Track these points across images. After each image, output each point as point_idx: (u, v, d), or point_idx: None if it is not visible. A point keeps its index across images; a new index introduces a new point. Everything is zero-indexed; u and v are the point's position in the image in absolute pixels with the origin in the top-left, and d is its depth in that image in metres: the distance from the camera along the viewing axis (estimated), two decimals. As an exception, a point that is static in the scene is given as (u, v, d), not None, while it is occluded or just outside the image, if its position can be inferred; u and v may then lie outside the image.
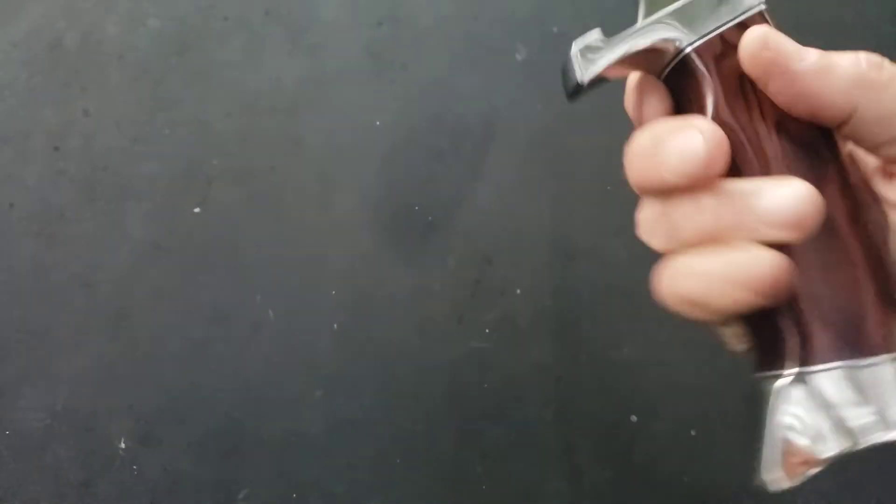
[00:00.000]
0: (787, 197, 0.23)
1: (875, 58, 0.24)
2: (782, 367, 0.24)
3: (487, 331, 0.57)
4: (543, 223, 0.59)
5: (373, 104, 0.61)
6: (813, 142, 0.25)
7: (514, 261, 0.59)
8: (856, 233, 0.25)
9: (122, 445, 0.56)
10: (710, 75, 0.27)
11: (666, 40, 0.27)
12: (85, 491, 0.55)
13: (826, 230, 0.24)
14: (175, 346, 0.57)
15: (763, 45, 0.25)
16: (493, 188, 0.60)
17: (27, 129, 0.60)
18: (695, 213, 0.24)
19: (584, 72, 0.27)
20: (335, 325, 0.57)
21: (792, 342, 0.24)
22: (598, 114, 0.60)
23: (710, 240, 0.24)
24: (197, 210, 0.59)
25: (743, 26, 0.26)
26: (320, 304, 0.57)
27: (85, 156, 0.60)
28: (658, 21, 0.28)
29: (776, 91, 0.25)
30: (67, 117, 0.60)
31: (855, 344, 0.24)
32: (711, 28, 0.27)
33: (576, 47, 0.27)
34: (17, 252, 0.59)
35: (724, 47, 0.27)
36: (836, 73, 0.24)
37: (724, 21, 0.27)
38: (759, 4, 0.27)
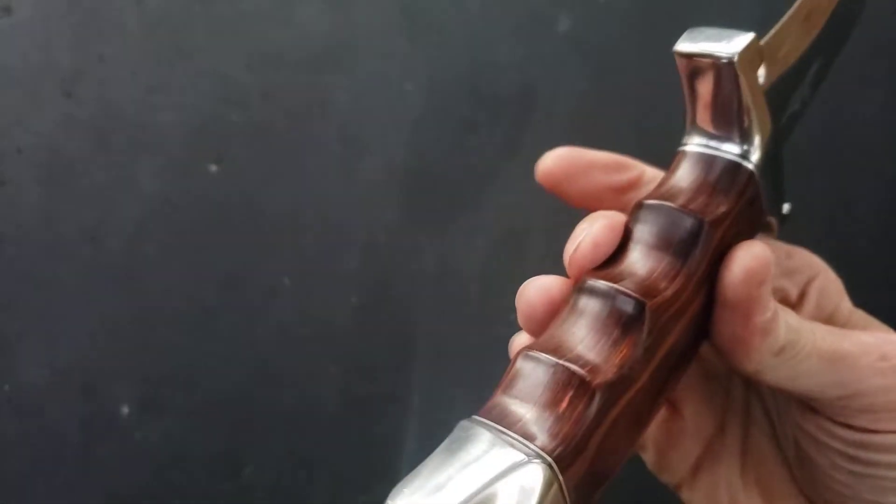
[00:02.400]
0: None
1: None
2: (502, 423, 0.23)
3: (513, 317, 0.55)
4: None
5: (404, 67, 0.58)
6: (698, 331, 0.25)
7: (547, 243, 0.56)
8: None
9: (125, 410, 0.54)
10: (740, 200, 0.27)
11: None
12: (85, 455, 0.53)
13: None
14: (184, 309, 0.55)
15: (760, 276, 0.24)
16: (528, 164, 0.57)
17: (39, 72, 0.57)
18: None
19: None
20: (354, 299, 0.55)
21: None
22: (642, 92, 0.57)
23: None
24: (213, 167, 0.57)
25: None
26: (339, 276, 0.55)
27: (98, 104, 0.57)
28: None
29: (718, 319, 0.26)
30: (81, 62, 0.57)
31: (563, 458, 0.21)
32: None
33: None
34: (24, 200, 0.56)
35: (755, 195, 0.26)
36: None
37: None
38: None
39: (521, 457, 0.20)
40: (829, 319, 0.29)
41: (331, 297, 0.55)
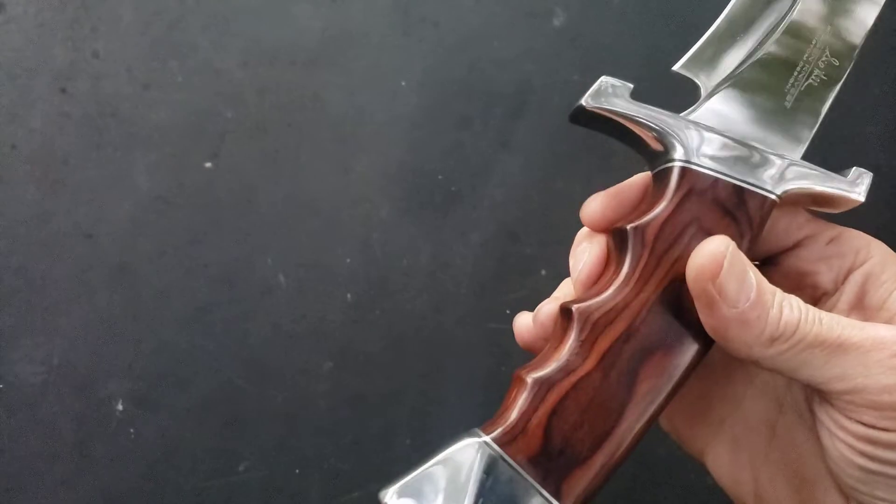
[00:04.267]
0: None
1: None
2: (498, 442, 0.26)
3: (508, 312, 0.55)
4: (574, 200, 0.56)
5: (399, 63, 0.57)
6: (683, 316, 0.27)
7: (540, 239, 0.56)
8: (647, 405, 0.27)
9: (120, 407, 0.53)
10: (673, 198, 0.28)
11: (662, 137, 0.29)
12: (79, 452, 0.53)
13: (627, 381, 0.27)
14: (178, 306, 0.55)
15: (710, 272, 0.25)
16: (522, 160, 0.57)
17: (33, 67, 0.57)
18: None
19: (590, 99, 0.29)
20: (348, 296, 0.55)
21: (517, 427, 0.27)
22: (637, 88, 0.57)
23: None
24: (208, 164, 0.56)
25: (739, 190, 0.28)
26: (334, 272, 0.55)
27: (92, 100, 0.57)
28: (683, 120, 0.29)
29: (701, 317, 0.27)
30: (76, 58, 0.57)
31: (549, 474, 0.26)
32: (707, 167, 0.28)
33: (605, 79, 0.30)
34: (18, 197, 0.56)
35: (708, 188, 0.28)
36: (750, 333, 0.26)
37: (722, 171, 0.28)
38: (768, 190, 0.28)
39: (469, 441, 0.26)
40: (880, 309, 0.28)
41: (325, 294, 0.55)
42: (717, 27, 0.32)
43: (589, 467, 0.26)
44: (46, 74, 0.57)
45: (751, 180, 0.28)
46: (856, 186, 0.28)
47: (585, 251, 0.30)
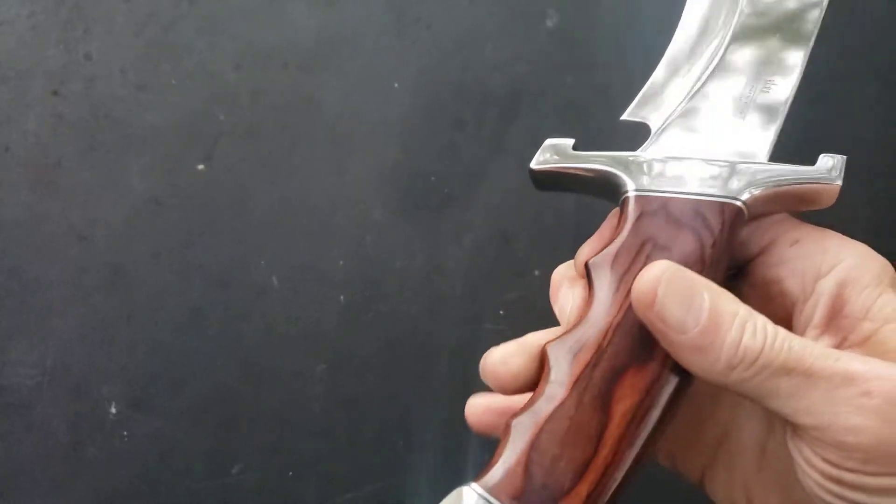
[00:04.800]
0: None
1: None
2: (485, 486, 0.27)
3: (502, 313, 0.55)
4: (567, 202, 0.56)
5: (393, 65, 0.58)
6: (648, 334, 0.26)
7: (534, 240, 0.56)
8: (627, 426, 0.26)
9: (113, 409, 0.53)
10: (627, 225, 0.28)
11: (610, 176, 0.30)
12: (73, 454, 0.53)
13: (601, 404, 0.26)
14: (172, 308, 0.55)
15: (646, 299, 0.25)
16: (516, 162, 0.57)
17: (26, 70, 0.57)
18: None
19: (536, 163, 0.31)
20: (342, 298, 0.55)
21: (503, 468, 0.27)
22: (630, 90, 0.57)
23: None
24: (201, 167, 0.56)
25: (695, 204, 0.27)
26: (327, 275, 0.55)
27: (86, 102, 0.57)
28: (632, 155, 0.30)
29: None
30: (69, 60, 0.57)
31: None
32: (659, 190, 0.28)
33: (548, 141, 0.31)
34: (12, 199, 0.56)
35: (659, 208, 0.28)
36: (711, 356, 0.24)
37: (675, 190, 0.28)
38: (729, 198, 0.27)
39: (458, 489, 0.27)
40: (863, 319, 0.26)
41: (318, 296, 0.55)
42: (659, 70, 0.33)
43: (574, 498, 0.26)
44: (40, 76, 0.57)
45: (708, 192, 0.27)
46: (827, 173, 0.27)
47: (568, 297, 0.30)
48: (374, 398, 0.54)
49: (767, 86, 0.30)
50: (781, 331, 0.24)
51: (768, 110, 0.30)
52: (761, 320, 0.24)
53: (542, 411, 0.27)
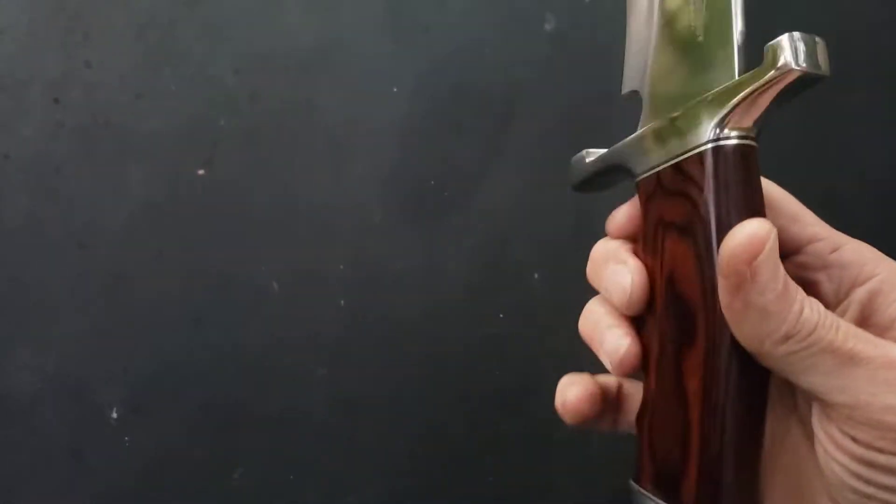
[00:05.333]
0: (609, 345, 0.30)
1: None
2: (635, 479, 0.29)
3: (502, 316, 0.55)
4: (566, 205, 0.56)
5: (391, 69, 0.58)
6: (689, 310, 0.27)
7: (533, 243, 0.56)
8: (702, 401, 0.27)
9: (114, 415, 0.53)
10: (642, 211, 0.29)
11: (621, 168, 0.30)
12: (74, 460, 0.53)
13: (676, 385, 0.27)
14: (173, 314, 0.55)
15: (748, 254, 0.24)
16: (514, 166, 0.57)
17: (26, 77, 0.57)
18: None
19: (573, 174, 0.32)
20: (342, 302, 0.55)
21: (639, 459, 0.29)
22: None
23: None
24: (201, 172, 0.56)
25: (677, 168, 0.27)
26: (327, 279, 0.55)
27: (85, 109, 0.57)
28: (625, 146, 0.30)
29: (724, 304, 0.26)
30: (68, 67, 0.57)
31: (668, 492, 0.28)
32: (651, 165, 0.28)
33: (576, 156, 0.32)
34: (12, 206, 0.56)
35: (655, 186, 0.28)
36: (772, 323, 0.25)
37: (660, 162, 0.28)
38: (703, 144, 0.26)
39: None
40: (889, 328, 0.27)
41: (319, 300, 0.55)
42: (628, 36, 0.32)
43: (688, 480, 0.27)
44: (39, 84, 0.57)
45: (686, 148, 0.26)
46: (782, 59, 0.25)
47: (626, 273, 0.29)
48: (374, 402, 0.54)
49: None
50: (831, 314, 0.25)
51: (721, 20, 0.28)
52: (815, 301, 0.25)
53: (645, 402, 0.29)
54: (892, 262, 0.28)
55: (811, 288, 0.28)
